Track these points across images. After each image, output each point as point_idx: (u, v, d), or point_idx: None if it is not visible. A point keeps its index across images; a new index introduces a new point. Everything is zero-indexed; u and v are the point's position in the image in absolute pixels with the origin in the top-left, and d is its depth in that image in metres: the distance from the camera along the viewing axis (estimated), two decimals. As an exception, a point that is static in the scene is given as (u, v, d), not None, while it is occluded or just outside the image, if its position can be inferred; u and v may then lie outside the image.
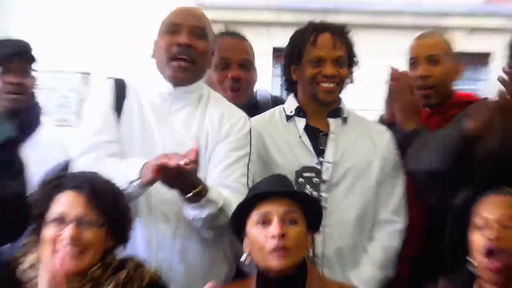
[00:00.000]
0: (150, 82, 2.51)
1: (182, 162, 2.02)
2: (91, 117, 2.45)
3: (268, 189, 2.12)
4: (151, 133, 2.38)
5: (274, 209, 2.04)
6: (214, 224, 2.28)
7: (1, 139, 2.41)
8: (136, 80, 2.53)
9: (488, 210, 2.00)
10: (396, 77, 2.75)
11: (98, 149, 2.33)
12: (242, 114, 2.53)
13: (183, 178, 2.14)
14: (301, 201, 2.12)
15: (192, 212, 2.24)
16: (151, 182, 2.19)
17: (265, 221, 2.03)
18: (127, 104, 2.43)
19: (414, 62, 2.94)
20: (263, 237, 2.01)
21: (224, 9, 8.29)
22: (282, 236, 1.98)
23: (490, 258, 1.94)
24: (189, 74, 2.43)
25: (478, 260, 1.99)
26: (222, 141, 2.41)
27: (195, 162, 2.07)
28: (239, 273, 2.44)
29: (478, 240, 1.99)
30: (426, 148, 2.39)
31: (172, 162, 2.03)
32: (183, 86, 2.45)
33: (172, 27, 2.44)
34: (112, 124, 2.39)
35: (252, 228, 2.06)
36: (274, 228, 2.00)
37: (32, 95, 3.13)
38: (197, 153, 2.06)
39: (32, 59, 3.12)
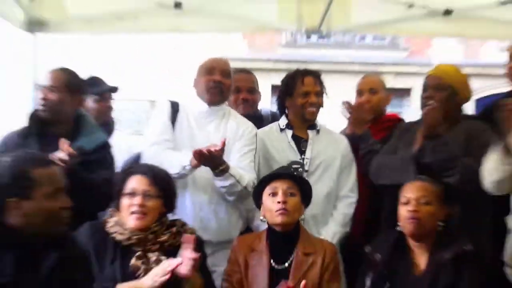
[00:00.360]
0: (193, 103, 2.51)
1: (212, 149, 2.13)
2: (156, 124, 2.45)
3: (276, 173, 2.16)
4: (194, 136, 2.39)
5: (280, 186, 2.06)
6: (233, 191, 2.30)
7: (99, 143, 2.38)
8: (185, 102, 2.53)
9: (410, 191, 1.98)
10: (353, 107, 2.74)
11: (160, 143, 2.35)
12: (250, 123, 2.54)
13: (212, 159, 2.18)
14: (298, 182, 2.12)
15: (219, 183, 2.28)
16: (196, 167, 2.23)
17: (274, 193, 2.06)
18: (179, 117, 2.44)
19: (360, 92, 2.89)
20: (272, 203, 2.04)
21: (237, 60, 8.32)
22: (284, 202, 2.01)
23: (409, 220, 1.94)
24: (218, 99, 2.45)
25: (403, 222, 1.97)
26: (238, 140, 2.41)
27: (222, 149, 2.16)
28: (248, 230, 2.46)
29: (403, 211, 1.96)
30: (391, 170, 2.34)
31: (204, 149, 2.13)
32: (214, 106, 2.45)
33: (209, 69, 2.45)
34: (169, 129, 2.40)
35: (266, 198, 2.08)
36: (280, 197, 2.03)
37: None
38: (224, 144, 2.16)
39: (115, 91, 3.10)
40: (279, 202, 2.02)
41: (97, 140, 2.37)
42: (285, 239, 2.07)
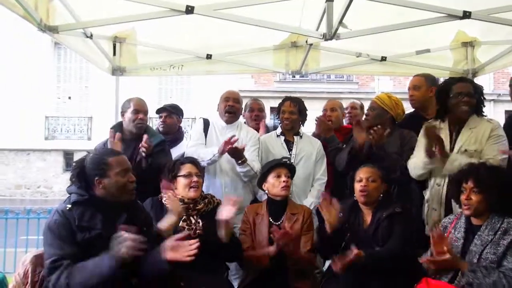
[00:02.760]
0: (217, 119, 2.49)
1: (238, 146, 2.18)
2: (194, 134, 2.44)
3: (279, 163, 2.13)
4: (218, 141, 2.36)
5: (282, 171, 2.06)
6: (248, 175, 2.30)
7: (158, 141, 2.36)
8: (212, 118, 2.51)
9: (361, 173, 1.96)
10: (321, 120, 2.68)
11: (197, 145, 2.36)
12: (255, 131, 2.54)
13: (237, 153, 2.19)
14: (290, 168, 2.12)
15: (240, 169, 2.28)
16: (221, 154, 2.23)
17: (278, 176, 2.04)
18: (209, 129, 2.44)
19: (325, 110, 2.90)
20: (278, 182, 2.03)
21: (247, 91, 8.37)
22: (286, 181, 2.02)
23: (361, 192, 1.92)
24: (233, 119, 2.45)
25: (357, 194, 1.95)
26: (248, 143, 2.39)
27: (243, 148, 2.22)
28: (255, 200, 2.43)
29: (357, 186, 1.94)
30: (341, 161, 2.35)
31: (234, 145, 2.14)
32: (230, 124, 2.45)
33: (226, 98, 2.45)
34: (202, 137, 2.41)
35: (271, 178, 2.06)
36: (283, 179, 2.04)
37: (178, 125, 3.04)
38: (243, 147, 2.23)
39: (175, 111, 2.99)
40: (283, 181, 2.02)
41: (157, 139, 2.37)
42: (279, 205, 2.06)
